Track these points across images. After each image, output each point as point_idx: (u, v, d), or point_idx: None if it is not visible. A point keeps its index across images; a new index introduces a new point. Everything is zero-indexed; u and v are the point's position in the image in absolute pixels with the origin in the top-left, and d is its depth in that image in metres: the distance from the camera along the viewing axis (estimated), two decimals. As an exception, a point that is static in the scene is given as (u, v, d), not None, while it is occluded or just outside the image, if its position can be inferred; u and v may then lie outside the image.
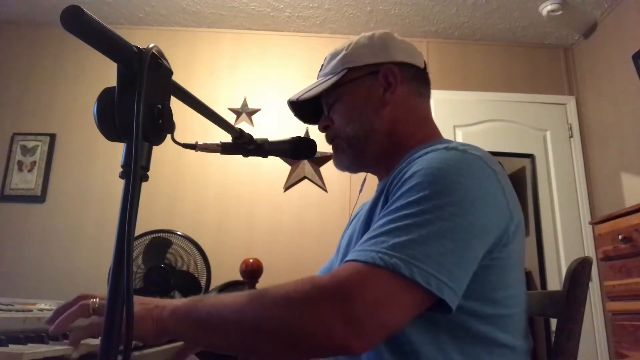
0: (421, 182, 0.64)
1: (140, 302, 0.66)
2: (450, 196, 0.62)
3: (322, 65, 0.94)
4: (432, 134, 0.88)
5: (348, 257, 0.62)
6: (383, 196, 0.73)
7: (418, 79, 0.90)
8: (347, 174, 2.81)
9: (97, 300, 0.67)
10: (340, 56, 0.88)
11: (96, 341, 0.68)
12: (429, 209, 0.61)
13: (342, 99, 0.87)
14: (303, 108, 0.95)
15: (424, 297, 0.58)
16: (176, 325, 0.64)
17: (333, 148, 0.91)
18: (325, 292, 0.57)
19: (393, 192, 0.68)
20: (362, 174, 0.98)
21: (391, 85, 0.85)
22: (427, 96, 0.93)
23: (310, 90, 0.89)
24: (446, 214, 0.60)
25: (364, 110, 0.85)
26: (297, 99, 0.90)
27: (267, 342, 0.60)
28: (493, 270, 0.66)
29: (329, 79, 0.88)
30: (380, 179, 0.92)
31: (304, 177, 2.85)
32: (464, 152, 0.69)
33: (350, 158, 0.88)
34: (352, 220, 1.01)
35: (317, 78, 0.94)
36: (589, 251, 2.71)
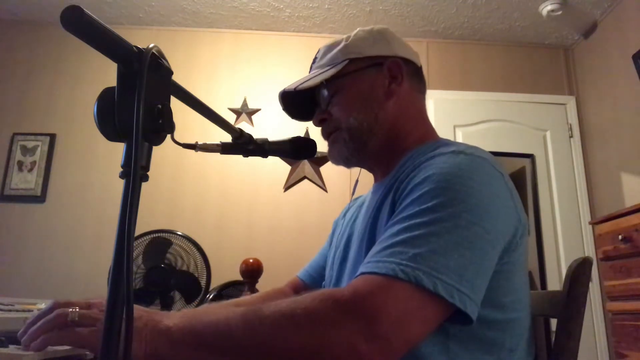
0: (434, 188, 0.62)
1: None
2: (465, 203, 0.60)
3: (315, 57, 0.90)
4: (428, 133, 0.87)
5: (364, 269, 0.59)
6: (389, 200, 0.71)
7: (417, 76, 0.89)
8: (347, 174, 2.83)
9: (77, 309, 0.61)
10: (340, 47, 0.85)
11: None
12: (445, 216, 0.59)
13: (344, 90, 0.84)
14: (295, 102, 0.90)
15: (446, 309, 0.57)
16: (172, 347, 0.58)
17: (331, 141, 0.87)
18: (348, 309, 0.55)
19: (402, 197, 0.66)
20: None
21: (396, 79, 0.84)
22: (425, 94, 0.92)
23: (309, 79, 0.84)
24: (463, 222, 0.59)
25: (368, 101, 0.83)
26: (295, 88, 0.84)
27: None
28: (502, 275, 0.65)
29: (328, 69, 0.84)
30: (376, 179, 0.90)
31: (304, 177, 2.85)
32: (472, 156, 0.67)
33: (351, 150, 0.84)
34: (343, 219, 0.99)
35: (311, 71, 0.90)
36: (589, 251, 2.71)
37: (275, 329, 0.56)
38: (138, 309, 0.61)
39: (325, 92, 0.85)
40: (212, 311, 0.63)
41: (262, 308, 0.59)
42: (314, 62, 0.91)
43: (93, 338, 0.59)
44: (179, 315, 0.62)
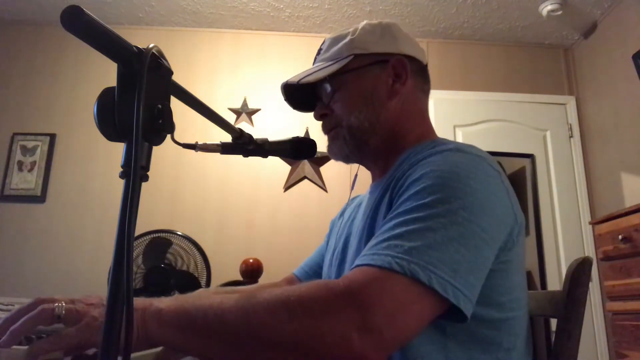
0: (432, 184, 0.62)
1: None
2: (462, 200, 0.60)
3: (320, 49, 0.90)
4: (427, 133, 0.86)
5: (360, 261, 0.59)
6: (387, 199, 0.71)
7: (422, 75, 0.89)
8: (347, 174, 2.83)
9: (63, 305, 0.57)
10: (346, 41, 0.84)
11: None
12: (442, 212, 0.59)
13: (347, 87, 0.83)
14: (297, 93, 0.90)
15: (439, 304, 0.56)
16: (162, 331, 0.57)
17: (331, 137, 0.86)
18: (343, 299, 0.54)
19: (399, 193, 0.66)
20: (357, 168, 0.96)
21: (400, 77, 0.83)
22: (428, 93, 0.91)
23: (312, 73, 0.84)
24: (459, 219, 0.59)
25: (371, 100, 0.82)
26: (298, 82, 0.83)
27: (275, 352, 0.56)
28: (498, 274, 0.64)
29: (332, 64, 0.83)
30: (374, 177, 0.90)
31: (304, 177, 2.85)
32: (470, 154, 0.67)
33: (351, 148, 0.84)
34: (341, 218, 0.99)
35: (315, 63, 0.90)
36: (589, 251, 2.71)
37: (268, 314, 0.56)
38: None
39: (328, 87, 0.85)
40: (205, 296, 0.62)
41: (256, 294, 0.58)
42: (318, 53, 0.90)
43: (83, 333, 0.56)
44: (171, 299, 0.61)
